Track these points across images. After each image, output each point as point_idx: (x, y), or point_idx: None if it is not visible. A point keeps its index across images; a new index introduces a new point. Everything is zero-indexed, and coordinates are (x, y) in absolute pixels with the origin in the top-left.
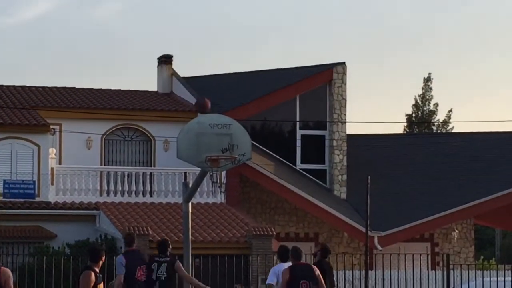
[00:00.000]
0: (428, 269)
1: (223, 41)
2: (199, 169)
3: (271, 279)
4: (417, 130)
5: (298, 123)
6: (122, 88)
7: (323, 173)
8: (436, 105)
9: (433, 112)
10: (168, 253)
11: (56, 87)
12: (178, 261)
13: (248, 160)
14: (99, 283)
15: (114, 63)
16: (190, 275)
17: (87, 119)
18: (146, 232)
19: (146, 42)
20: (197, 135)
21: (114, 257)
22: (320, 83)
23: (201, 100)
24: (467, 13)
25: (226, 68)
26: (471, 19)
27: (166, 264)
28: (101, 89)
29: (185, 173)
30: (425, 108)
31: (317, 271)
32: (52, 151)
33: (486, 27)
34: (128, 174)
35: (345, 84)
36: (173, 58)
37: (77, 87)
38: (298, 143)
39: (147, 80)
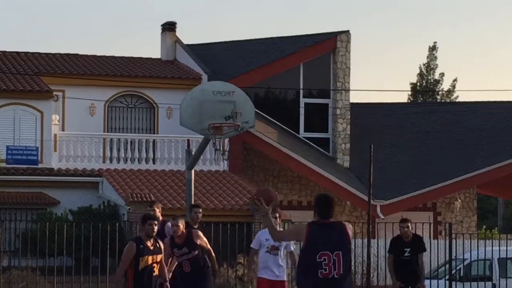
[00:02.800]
0: (430, 238)
1: (227, 8)
2: (202, 136)
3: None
4: (421, 99)
5: (301, 91)
6: (125, 55)
7: (326, 142)
8: (442, 74)
9: (437, 81)
10: None
11: (59, 54)
12: None
13: (251, 128)
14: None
15: (117, 30)
16: None
17: (90, 85)
18: (149, 199)
19: (150, 9)
20: (200, 103)
21: (117, 224)
22: (324, 52)
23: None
24: None
25: (230, 35)
26: None
27: None
28: (104, 56)
29: (188, 140)
30: (429, 77)
31: None
32: (55, 118)
33: None
34: (131, 141)
35: (349, 52)
36: (177, 25)
37: (80, 53)
38: (302, 111)
39: (150, 47)
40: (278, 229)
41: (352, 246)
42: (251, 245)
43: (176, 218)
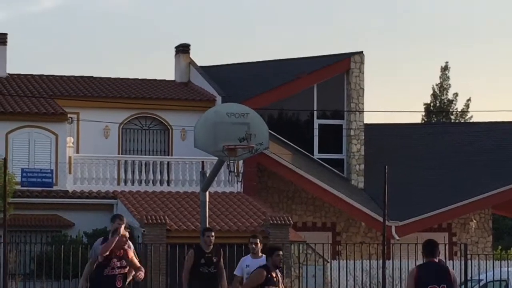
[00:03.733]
0: (445, 259)
1: (240, 30)
2: (217, 158)
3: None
4: (435, 119)
5: (315, 112)
6: (139, 77)
7: (341, 163)
8: (456, 94)
9: (451, 101)
10: None
11: (73, 76)
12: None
13: (266, 149)
14: None
15: (131, 53)
16: None
17: (104, 108)
18: (164, 221)
19: (164, 31)
20: (214, 124)
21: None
22: (338, 72)
23: None
24: (485, 0)
25: (244, 57)
26: (489, 5)
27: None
28: (118, 78)
29: (203, 162)
30: (443, 97)
31: None
32: (70, 140)
33: (504, 13)
34: (145, 163)
35: (363, 73)
36: (191, 47)
37: (94, 76)
38: (316, 132)
39: (164, 69)
40: (259, 254)
41: (367, 267)
42: (235, 272)
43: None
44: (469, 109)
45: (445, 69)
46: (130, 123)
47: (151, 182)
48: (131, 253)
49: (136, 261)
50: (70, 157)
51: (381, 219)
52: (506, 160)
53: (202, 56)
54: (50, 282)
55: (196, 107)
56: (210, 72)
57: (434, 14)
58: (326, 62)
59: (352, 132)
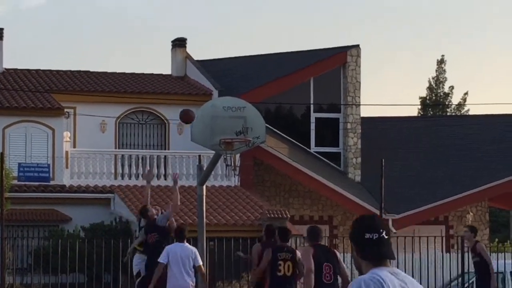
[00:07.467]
0: (442, 251)
1: (236, 24)
2: (213, 152)
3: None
4: (431, 112)
5: (312, 106)
6: (136, 72)
7: (338, 156)
8: (452, 88)
9: (447, 95)
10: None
11: (70, 71)
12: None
13: (262, 143)
14: None
15: (128, 47)
16: (204, 258)
17: (101, 102)
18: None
19: (160, 25)
20: (211, 118)
21: (129, 240)
22: (334, 66)
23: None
24: None
25: (240, 51)
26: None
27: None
28: (115, 73)
29: (199, 156)
30: (439, 91)
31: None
32: (67, 135)
33: (500, 5)
34: (142, 157)
35: (359, 67)
36: (187, 41)
37: (91, 70)
38: (312, 126)
39: (161, 63)
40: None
41: None
42: (160, 260)
43: None
44: (466, 103)
45: (441, 62)
46: (127, 118)
47: None
48: None
49: None
50: (67, 152)
51: (378, 212)
52: (503, 153)
53: (198, 50)
54: (48, 276)
55: (193, 101)
56: (206, 66)
57: (430, 8)
58: (322, 55)
59: (348, 126)
